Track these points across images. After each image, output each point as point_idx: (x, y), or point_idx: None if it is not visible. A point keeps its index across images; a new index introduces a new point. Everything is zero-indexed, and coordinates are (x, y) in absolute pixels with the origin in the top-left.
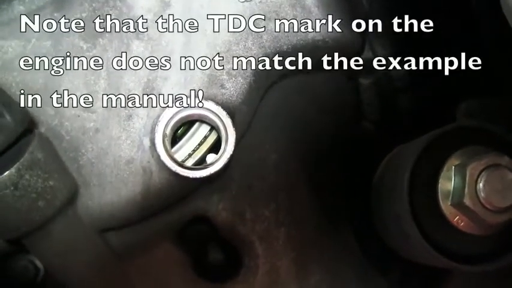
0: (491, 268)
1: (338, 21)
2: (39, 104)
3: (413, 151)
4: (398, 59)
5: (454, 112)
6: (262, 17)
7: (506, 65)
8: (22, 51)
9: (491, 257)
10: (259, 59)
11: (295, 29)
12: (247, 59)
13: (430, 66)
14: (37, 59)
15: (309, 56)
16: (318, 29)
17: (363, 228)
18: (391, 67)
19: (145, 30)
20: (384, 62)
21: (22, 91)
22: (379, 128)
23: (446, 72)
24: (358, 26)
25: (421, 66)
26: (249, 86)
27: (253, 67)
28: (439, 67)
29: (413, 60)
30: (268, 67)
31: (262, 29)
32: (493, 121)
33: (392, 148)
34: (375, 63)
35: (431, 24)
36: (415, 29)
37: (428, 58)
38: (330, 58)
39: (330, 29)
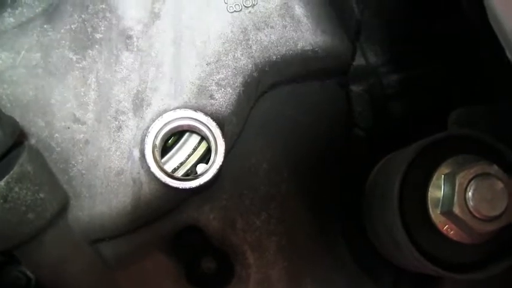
0: (481, 277)
1: (328, 30)
2: (29, 116)
3: (404, 159)
4: (390, 66)
5: (445, 120)
6: (252, 28)
7: (498, 73)
8: (12, 63)
9: (481, 265)
10: (249, 69)
11: (285, 39)
12: (237, 69)
13: (422, 74)
14: (27, 71)
15: (299, 65)
16: (307, 39)
17: (355, 236)
18: (383, 75)
19: (135, 41)
20: (376, 69)
21: (12, 103)
22: (371, 135)
23: (439, 80)
24: (349, 34)
25: (413, 74)
26: (238, 97)
27: (243, 77)
28: (431, 75)
29: (405, 68)
30: (257, 77)
31: (252, 40)
32: (483, 129)
33: (383, 156)
34: (367, 71)
35: (423, 32)
36: (408, 37)
37: (420, 65)
38: (320, 67)
39: (319, 39)
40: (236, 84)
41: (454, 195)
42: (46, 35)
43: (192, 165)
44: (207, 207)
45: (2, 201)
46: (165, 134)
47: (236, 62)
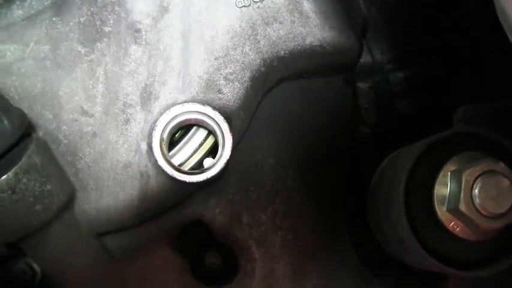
0: (486, 274)
1: (336, 27)
2: (37, 108)
3: (410, 156)
4: (396, 63)
5: (451, 117)
6: (260, 23)
7: (502, 70)
8: (21, 56)
9: (486, 262)
10: (257, 64)
11: (293, 35)
12: (245, 64)
13: (428, 72)
14: (35, 63)
15: (307, 61)
16: (315, 35)
17: (360, 233)
18: (389, 72)
19: (144, 34)
20: (382, 67)
21: (20, 95)
22: (376, 132)
23: (444, 78)
24: (356, 31)
25: (419, 72)
26: (246, 91)
27: (251, 72)
28: (437, 72)
29: (410, 65)
30: (265, 72)
31: (260, 35)
32: (489, 127)
33: (389, 153)
34: (373, 68)
35: (429, 30)
36: (414, 35)
37: (425, 63)
38: (327, 63)
39: (327, 35)
40: (244, 79)
41: (461, 193)
42: (55, 27)
43: (199, 159)
44: (213, 202)
45: (10, 192)
46: (173, 127)
47: (244, 57)
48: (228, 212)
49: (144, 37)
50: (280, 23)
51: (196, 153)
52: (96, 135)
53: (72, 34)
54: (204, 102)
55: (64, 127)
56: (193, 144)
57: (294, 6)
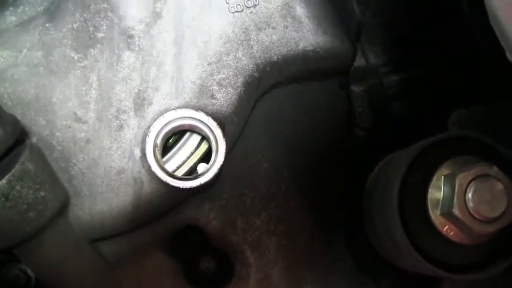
0: (481, 277)
1: (329, 31)
2: (30, 115)
3: (404, 160)
4: (390, 66)
5: (446, 121)
6: (253, 28)
7: (497, 74)
8: (14, 62)
9: (481, 265)
10: (250, 69)
11: (286, 40)
12: (238, 69)
13: (422, 74)
14: (28, 69)
15: (300, 66)
16: (308, 40)
17: (355, 237)
18: (383, 75)
19: (137, 40)
20: (376, 70)
21: (13, 102)
22: (371, 135)
23: (439, 81)
24: (350, 35)
25: (413, 75)
26: (239, 97)
27: (244, 77)
28: (432, 75)
29: (405, 68)
30: (258, 77)
31: (253, 40)
32: (484, 131)
33: (384, 156)
34: (367, 71)
35: (424, 32)
36: (408, 38)
37: (420, 66)
38: (321, 67)
39: (320, 39)
40: (237, 84)
41: (454, 197)
42: (48, 33)
43: (193, 165)
44: (207, 207)
45: (3, 199)
46: (166, 133)
47: (237, 62)
48: (222, 217)
49: (137, 43)
50: (273, 28)
51: (190, 159)
52: (90, 142)
53: (65, 40)
54: (197, 108)
55: (57, 133)
56: (186, 150)
57: (287, 11)
